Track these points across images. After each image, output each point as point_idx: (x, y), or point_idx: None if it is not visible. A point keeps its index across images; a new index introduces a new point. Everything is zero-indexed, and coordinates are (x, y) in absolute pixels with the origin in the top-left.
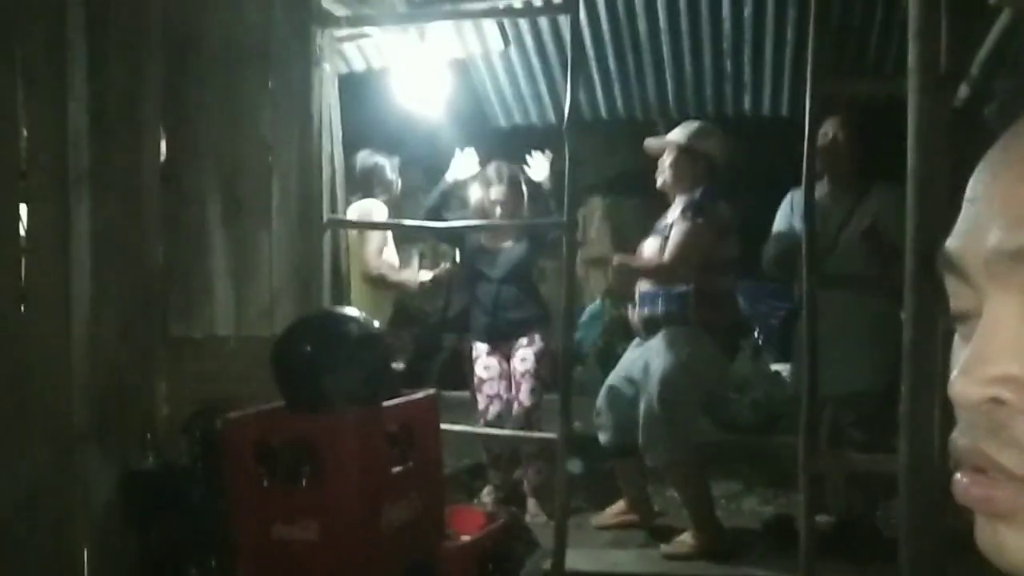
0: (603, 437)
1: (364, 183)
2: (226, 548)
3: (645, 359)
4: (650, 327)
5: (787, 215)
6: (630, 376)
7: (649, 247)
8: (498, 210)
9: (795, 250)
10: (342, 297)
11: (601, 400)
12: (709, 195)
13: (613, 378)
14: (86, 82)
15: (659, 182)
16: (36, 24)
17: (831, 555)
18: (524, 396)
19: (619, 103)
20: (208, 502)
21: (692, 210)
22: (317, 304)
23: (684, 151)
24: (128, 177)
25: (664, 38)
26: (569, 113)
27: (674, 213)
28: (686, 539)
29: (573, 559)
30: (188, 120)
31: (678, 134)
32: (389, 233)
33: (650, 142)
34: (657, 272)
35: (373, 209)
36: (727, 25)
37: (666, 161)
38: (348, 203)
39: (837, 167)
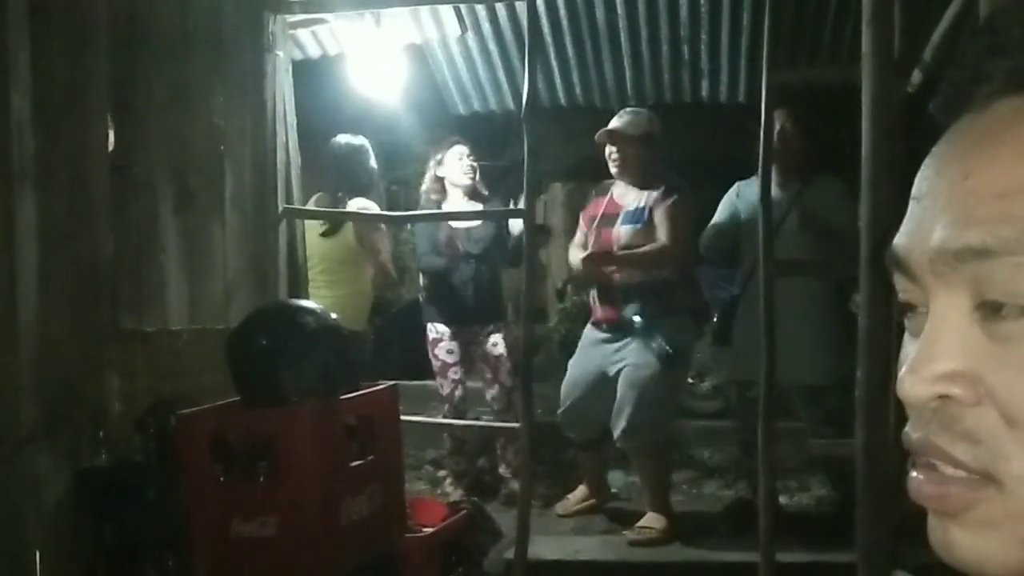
0: (570, 430)
1: (346, 169)
2: (183, 545)
3: (629, 347)
4: (630, 321)
5: (731, 203)
6: (602, 370)
7: (624, 234)
8: (459, 184)
9: (737, 237)
10: (299, 289)
11: (566, 394)
12: (672, 173)
13: (580, 372)
14: (29, 70)
15: (614, 170)
16: None
17: (791, 538)
18: (504, 378)
19: (578, 91)
20: (164, 499)
21: (675, 192)
22: (274, 296)
23: (634, 138)
24: (75, 168)
25: (622, 24)
26: (527, 100)
27: (643, 197)
28: (651, 524)
29: (537, 547)
30: (137, 109)
31: (626, 123)
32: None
33: (603, 135)
34: (662, 257)
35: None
36: (684, 12)
37: (616, 150)
38: (330, 194)
39: (784, 157)
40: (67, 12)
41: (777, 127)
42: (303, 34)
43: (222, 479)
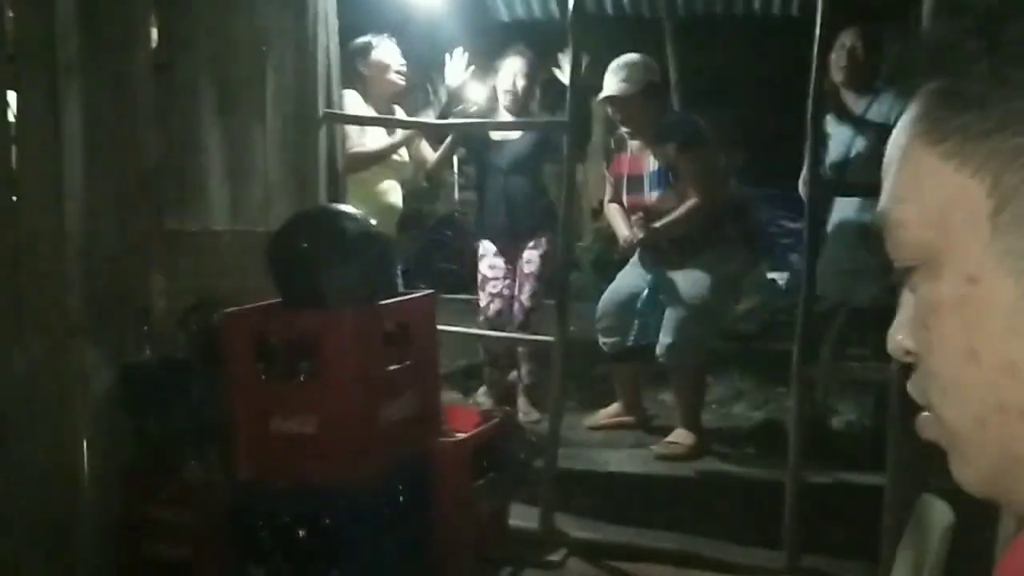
0: (607, 340)
1: (348, 69)
2: (224, 440)
3: (682, 270)
4: (685, 250)
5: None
6: (654, 284)
7: (654, 199)
8: (506, 100)
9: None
10: (338, 193)
11: (608, 305)
12: (691, 121)
13: (621, 286)
14: None
15: (624, 131)
16: None
17: (819, 459)
18: (525, 297)
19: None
20: (206, 395)
21: (687, 139)
22: (313, 200)
23: (634, 96)
24: (119, 65)
25: None
26: (575, 7)
27: (658, 156)
28: (679, 439)
29: (565, 458)
30: (180, 8)
31: (621, 83)
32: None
33: (600, 101)
34: (698, 214)
35: (348, 100)
36: None
37: (619, 114)
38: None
39: (856, 78)
40: None
41: (847, 46)
42: None
43: (263, 377)
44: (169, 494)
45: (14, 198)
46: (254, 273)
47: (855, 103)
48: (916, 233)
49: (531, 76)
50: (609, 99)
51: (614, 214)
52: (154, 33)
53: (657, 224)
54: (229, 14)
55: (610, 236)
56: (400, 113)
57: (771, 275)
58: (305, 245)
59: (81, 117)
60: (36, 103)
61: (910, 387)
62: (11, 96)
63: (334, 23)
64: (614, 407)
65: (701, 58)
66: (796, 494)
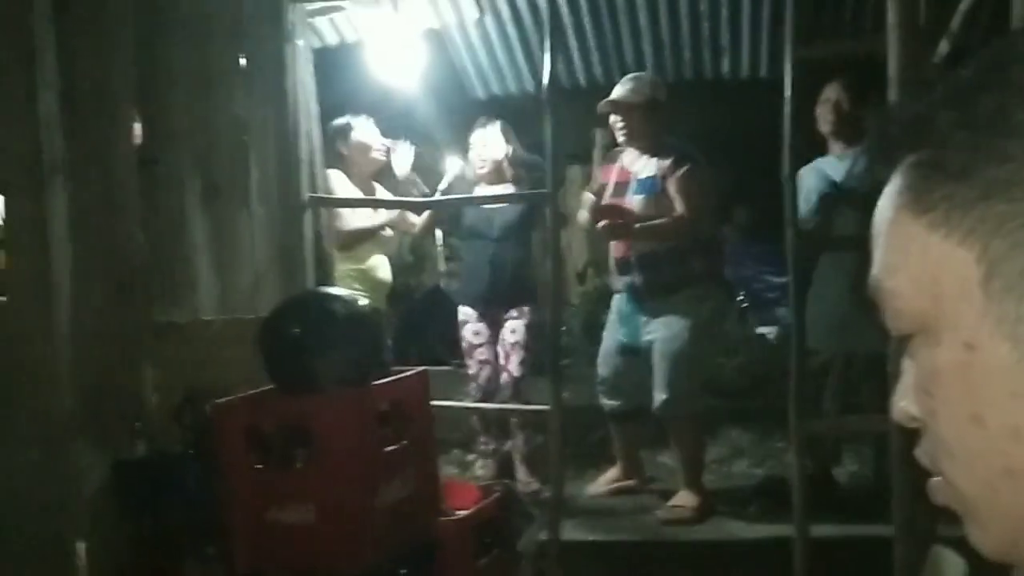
0: (610, 401)
1: (329, 150)
2: (223, 534)
3: (658, 319)
4: (658, 289)
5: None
6: (635, 339)
7: (637, 204)
8: (483, 170)
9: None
10: (327, 277)
11: (607, 365)
12: (688, 143)
13: (614, 342)
14: (56, 69)
15: (621, 139)
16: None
17: (826, 512)
18: (513, 367)
19: (597, 70)
20: (202, 489)
21: (685, 158)
22: (302, 284)
23: (638, 105)
24: (104, 163)
25: (640, 2)
26: (549, 82)
27: (650, 167)
28: (684, 502)
29: (569, 529)
30: (162, 103)
31: (628, 90)
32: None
33: (605, 105)
34: (678, 228)
35: (332, 180)
36: None
37: (621, 119)
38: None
39: (843, 131)
40: (91, 10)
41: (832, 101)
42: (322, 22)
43: (259, 467)
44: None
45: (2, 298)
46: (245, 361)
47: (844, 153)
48: (910, 302)
49: (503, 145)
50: (613, 104)
51: (587, 201)
52: (138, 129)
53: (638, 225)
54: (210, 108)
55: (596, 299)
56: (381, 190)
57: (760, 330)
58: (295, 330)
59: (67, 215)
60: (22, 205)
61: (918, 453)
62: None
63: (314, 108)
64: (614, 471)
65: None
66: (804, 550)
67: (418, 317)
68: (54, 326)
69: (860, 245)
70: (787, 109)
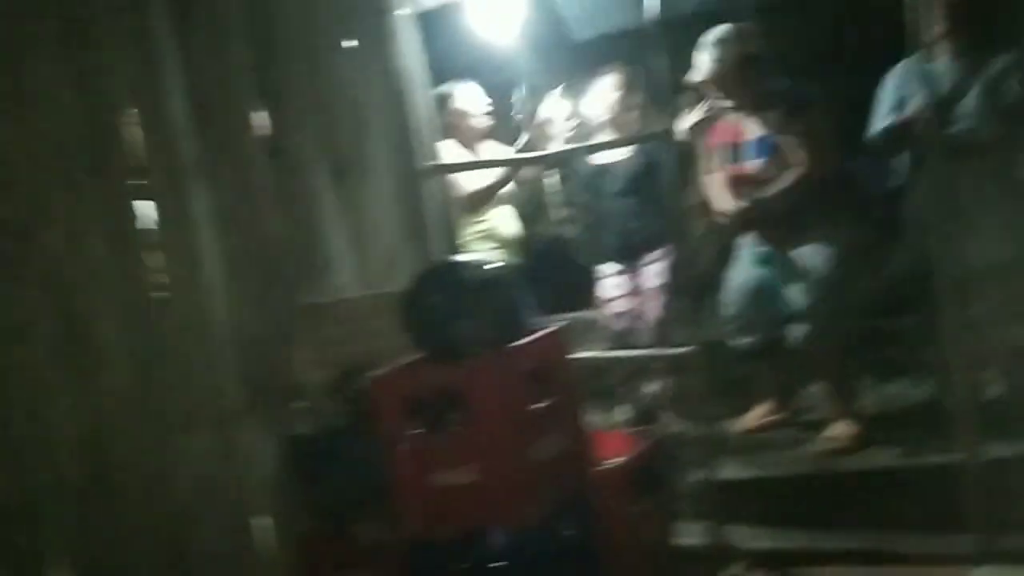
0: (738, 340)
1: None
2: (390, 499)
3: (795, 250)
4: (789, 228)
5: (895, 88)
6: (767, 272)
7: (754, 167)
8: (607, 117)
9: (910, 122)
10: (455, 241)
11: (731, 303)
12: (794, 87)
13: (740, 279)
14: (181, 74)
15: (715, 107)
16: (121, 25)
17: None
18: (657, 310)
19: None
20: (368, 459)
21: (793, 103)
22: (432, 253)
23: (726, 74)
24: (236, 156)
25: None
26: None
27: (761, 124)
28: (839, 432)
29: (723, 468)
30: (283, 94)
31: (706, 65)
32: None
33: (696, 75)
34: (804, 185)
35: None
36: None
37: (717, 92)
38: None
39: (960, 27)
40: (208, 14)
41: None
42: None
43: (417, 433)
44: (345, 559)
45: (164, 301)
46: (390, 334)
47: (960, 53)
48: None
49: (628, 88)
50: (697, 84)
51: (712, 185)
52: (263, 119)
53: (762, 194)
54: (327, 90)
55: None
56: (492, 148)
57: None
58: (436, 299)
59: (209, 210)
60: (167, 207)
61: None
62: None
63: (424, 78)
64: (763, 406)
65: (790, 35)
66: (975, 475)
67: (539, 268)
68: (211, 316)
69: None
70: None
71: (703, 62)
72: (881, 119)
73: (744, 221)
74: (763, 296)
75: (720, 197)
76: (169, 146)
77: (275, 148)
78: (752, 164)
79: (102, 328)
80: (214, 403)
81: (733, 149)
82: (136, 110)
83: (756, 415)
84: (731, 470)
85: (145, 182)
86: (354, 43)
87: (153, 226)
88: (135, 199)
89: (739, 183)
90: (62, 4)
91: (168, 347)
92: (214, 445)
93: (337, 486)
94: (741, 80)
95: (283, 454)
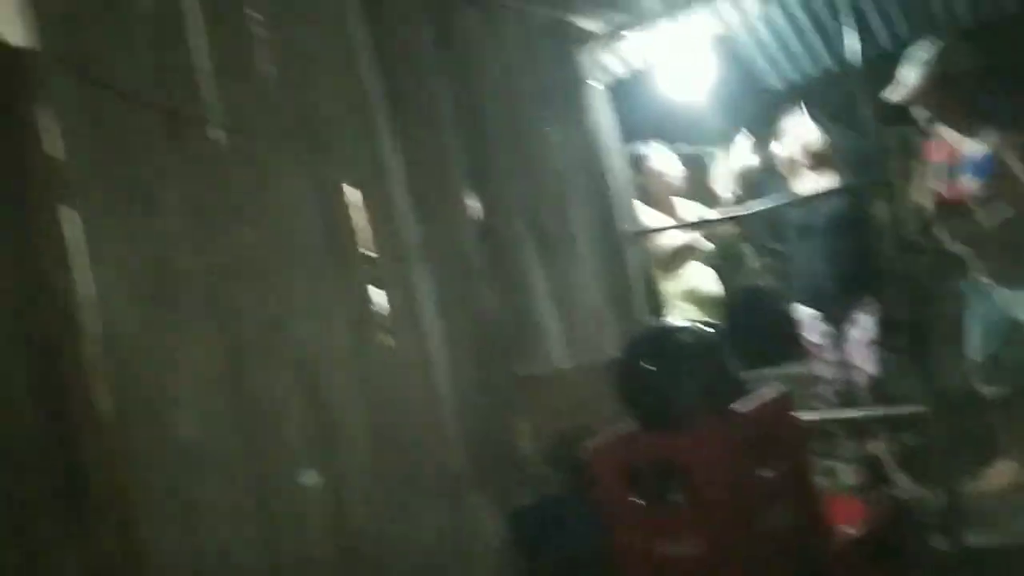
0: (991, 388)
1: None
2: (612, 569)
3: None
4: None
5: None
6: (1007, 318)
7: (973, 187)
8: (805, 159)
9: None
10: (658, 307)
11: (983, 346)
12: (1005, 98)
13: (989, 318)
14: (403, 167)
15: (925, 125)
16: (349, 124)
17: None
18: (869, 366)
19: (901, 29)
20: (589, 528)
21: (1011, 120)
22: (637, 317)
23: (936, 85)
24: (452, 239)
25: None
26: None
27: (980, 142)
28: None
29: (971, 534)
30: (491, 176)
31: (917, 73)
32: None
33: (894, 92)
34: None
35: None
36: None
37: (922, 106)
38: None
39: None
40: (421, 109)
41: None
42: (608, 58)
43: (639, 502)
44: None
45: (395, 380)
46: (601, 402)
47: None
48: None
49: (816, 129)
50: (900, 101)
51: (924, 193)
52: (475, 203)
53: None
54: (531, 168)
55: (935, 264)
56: (684, 206)
57: None
58: (649, 368)
59: (433, 293)
60: (395, 291)
61: None
62: (375, 291)
63: (616, 143)
64: (1007, 464)
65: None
66: None
67: (741, 321)
68: (437, 392)
69: None
70: None
71: (908, 78)
72: None
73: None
74: (1016, 337)
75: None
76: (395, 234)
77: (486, 228)
78: (968, 183)
79: (344, 406)
80: (444, 475)
81: (949, 168)
82: (365, 203)
83: (1002, 474)
84: (976, 537)
85: (374, 269)
86: (554, 118)
87: (383, 309)
88: (369, 285)
89: (955, 203)
90: (302, 119)
91: (400, 421)
92: (443, 516)
93: (559, 556)
94: (947, 97)
95: (506, 524)
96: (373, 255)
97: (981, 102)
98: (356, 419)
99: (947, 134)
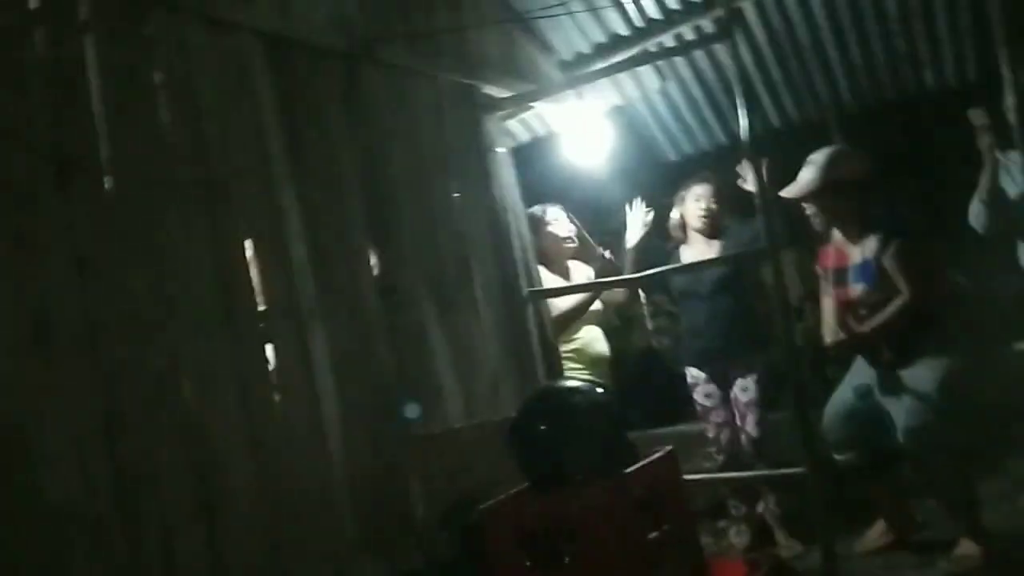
0: (841, 456)
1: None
2: None
3: (903, 371)
4: (895, 354)
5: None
6: (877, 384)
7: (858, 294)
8: (699, 224)
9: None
10: (554, 364)
11: (834, 417)
12: (895, 212)
13: (846, 394)
14: (301, 224)
15: (817, 226)
16: (249, 177)
17: None
18: (751, 427)
19: (790, 109)
20: None
21: (894, 234)
22: (534, 378)
23: (827, 189)
24: (350, 298)
25: (826, 37)
26: (749, 135)
27: (863, 249)
28: (967, 551)
29: None
30: (392, 232)
31: (810, 174)
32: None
33: (788, 191)
34: (909, 311)
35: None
36: (891, 5)
37: (814, 207)
38: None
39: None
40: (326, 169)
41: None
42: (513, 124)
43: (528, 565)
44: None
45: (282, 440)
46: (495, 462)
47: None
48: None
49: (720, 197)
50: (805, 189)
51: (825, 311)
52: (374, 261)
53: (863, 327)
54: (433, 229)
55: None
56: (578, 268)
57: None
58: (543, 429)
59: (327, 349)
60: (288, 350)
61: None
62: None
63: (519, 207)
64: (881, 524)
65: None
66: None
67: (635, 381)
68: (329, 452)
69: None
70: (1012, 117)
71: (804, 179)
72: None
73: (845, 351)
74: (865, 412)
75: (825, 325)
76: (290, 289)
77: (387, 288)
78: (856, 289)
79: (229, 469)
80: (333, 538)
81: (837, 273)
82: (261, 258)
83: (876, 535)
84: None
85: (268, 324)
86: (459, 180)
87: (274, 367)
88: (261, 343)
89: (845, 308)
90: (205, 167)
91: (289, 484)
92: None
93: None
94: (835, 201)
95: None
96: (267, 310)
97: (868, 211)
98: (242, 482)
99: (842, 240)
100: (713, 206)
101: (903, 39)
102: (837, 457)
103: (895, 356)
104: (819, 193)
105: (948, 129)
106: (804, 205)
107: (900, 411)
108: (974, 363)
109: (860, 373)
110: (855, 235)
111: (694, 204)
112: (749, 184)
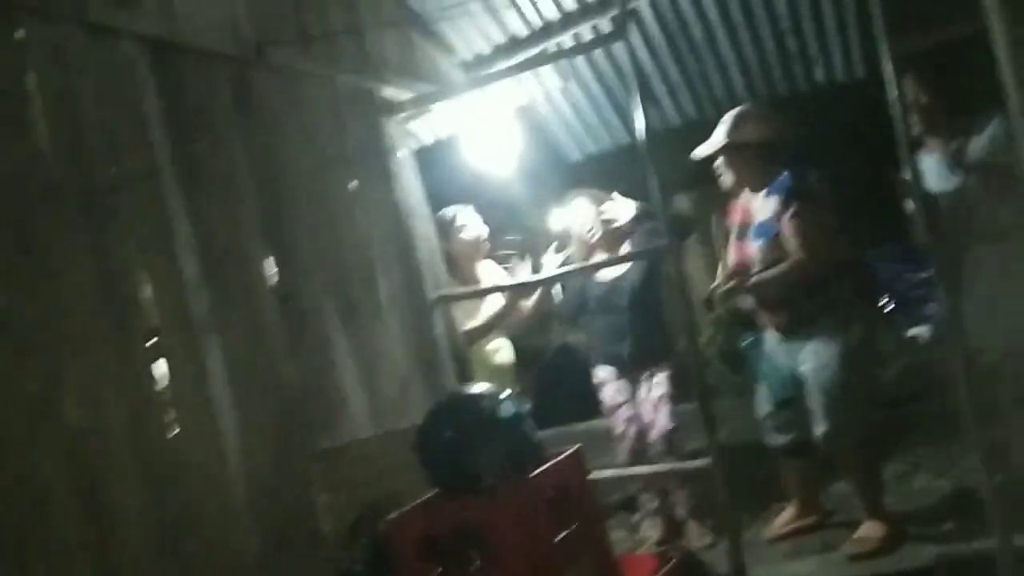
0: (778, 438)
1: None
2: None
3: (807, 348)
4: (799, 323)
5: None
6: (790, 371)
7: (757, 250)
8: (592, 240)
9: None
10: (465, 371)
11: (767, 401)
12: (799, 176)
13: (776, 376)
14: (192, 236)
15: (723, 183)
16: (135, 190)
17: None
18: (664, 420)
19: (689, 107)
20: None
21: (794, 196)
22: (443, 383)
23: (733, 148)
24: (247, 309)
25: (720, 35)
26: (646, 135)
27: (765, 208)
28: (869, 532)
29: None
30: (290, 240)
31: (719, 133)
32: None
33: (698, 151)
34: (798, 272)
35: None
36: (781, 5)
37: (721, 163)
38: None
39: (933, 126)
40: (215, 174)
41: (909, 100)
42: (415, 125)
43: (440, 572)
44: None
45: (179, 456)
46: (405, 470)
47: (943, 147)
48: None
49: (595, 211)
50: (713, 145)
51: (725, 262)
52: (271, 268)
53: (754, 278)
54: (334, 234)
55: (730, 322)
56: (490, 269)
57: (912, 332)
58: (448, 435)
59: (223, 362)
60: (181, 363)
61: None
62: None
63: (424, 210)
64: (790, 511)
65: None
66: (1013, 563)
67: (550, 377)
68: (228, 466)
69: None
70: (897, 104)
71: (717, 136)
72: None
73: (727, 296)
74: (791, 394)
75: (722, 273)
76: (181, 302)
77: (285, 295)
78: (754, 246)
79: (120, 490)
80: (232, 555)
81: (741, 228)
82: (150, 271)
83: (784, 520)
84: None
85: (159, 339)
86: (360, 184)
87: (167, 382)
88: (151, 359)
89: (741, 262)
90: (85, 177)
91: (185, 504)
92: None
93: None
94: (745, 159)
95: None
96: (158, 325)
97: (776, 171)
98: (134, 504)
99: (749, 196)
100: (598, 221)
101: (794, 37)
102: (773, 439)
103: (790, 322)
104: (724, 151)
105: (838, 121)
106: (715, 163)
107: (812, 403)
108: (869, 341)
109: (774, 358)
110: (759, 193)
111: (580, 222)
112: (615, 215)
